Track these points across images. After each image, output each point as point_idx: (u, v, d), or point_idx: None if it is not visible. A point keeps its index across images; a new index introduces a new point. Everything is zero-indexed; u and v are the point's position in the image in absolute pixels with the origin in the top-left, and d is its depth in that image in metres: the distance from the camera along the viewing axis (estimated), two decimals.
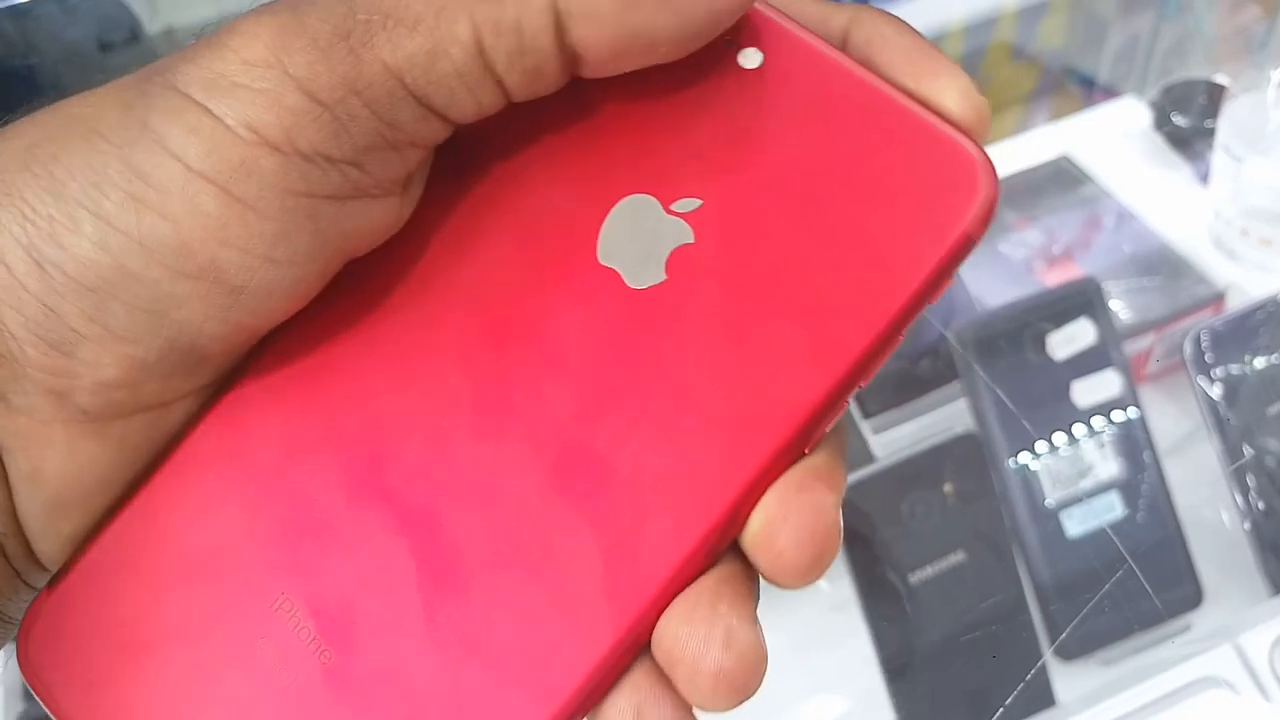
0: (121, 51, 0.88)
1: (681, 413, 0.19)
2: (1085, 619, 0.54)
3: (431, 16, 0.17)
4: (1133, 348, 0.61)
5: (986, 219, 0.19)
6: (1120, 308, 0.63)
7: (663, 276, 0.20)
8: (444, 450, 0.20)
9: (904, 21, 0.20)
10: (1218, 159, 0.64)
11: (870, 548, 0.52)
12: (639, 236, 0.20)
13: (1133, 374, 0.57)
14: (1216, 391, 0.56)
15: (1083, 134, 0.75)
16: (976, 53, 1.34)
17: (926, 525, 0.52)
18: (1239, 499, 0.55)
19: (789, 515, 0.19)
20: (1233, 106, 0.63)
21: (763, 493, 0.19)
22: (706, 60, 0.20)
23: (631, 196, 0.20)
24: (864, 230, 0.19)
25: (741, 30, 0.20)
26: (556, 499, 0.19)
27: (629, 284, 0.20)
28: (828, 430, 0.19)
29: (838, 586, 0.53)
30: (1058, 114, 1.20)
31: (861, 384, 0.19)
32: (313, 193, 0.18)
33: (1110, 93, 1.22)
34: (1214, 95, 0.70)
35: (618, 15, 0.18)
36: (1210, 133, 0.66)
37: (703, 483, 0.19)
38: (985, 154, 0.19)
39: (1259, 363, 0.57)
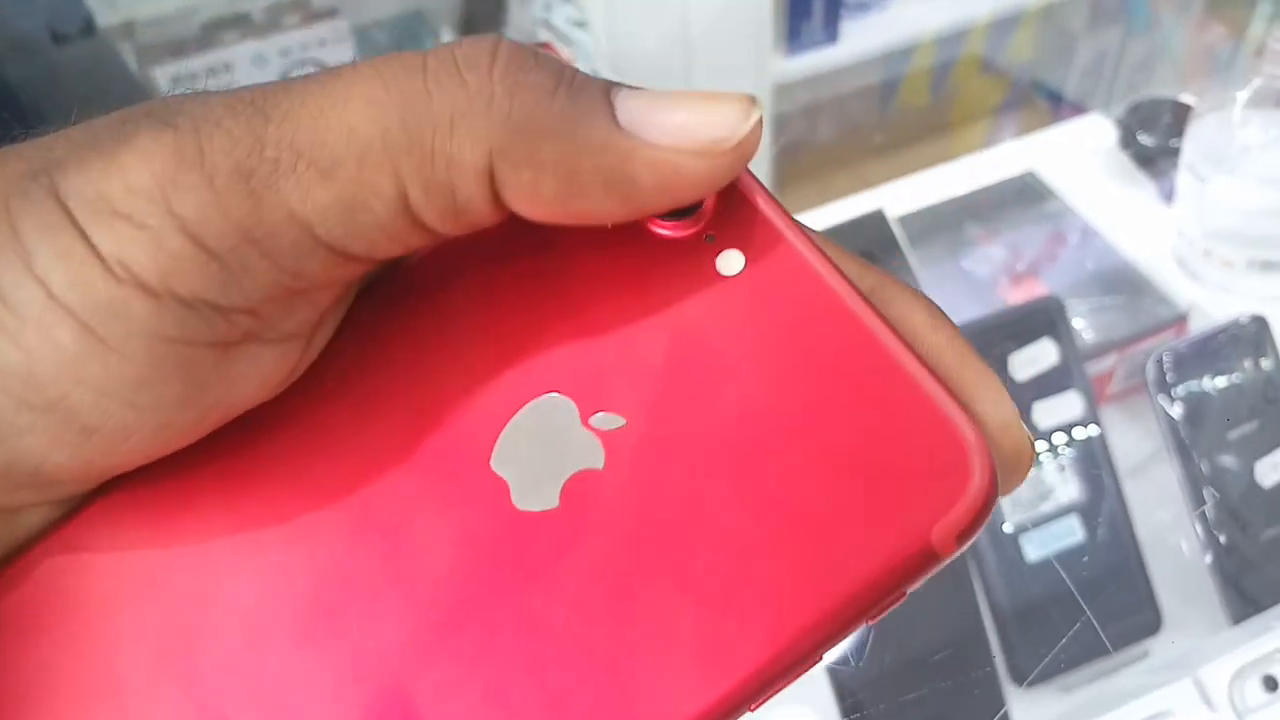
0: (75, 44, 0.86)
1: (521, 692, 0.16)
2: (1043, 645, 0.53)
3: (352, 164, 0.15)
4: (1095, 368, 0.60)
5: (965, 532, 0.15)
6: (1083, 326, 0.62)
7: (554, 503, 0.17)
8: (256, 649, 0.17)
9: (938, 309, 0.17)
10: (1182, 179, 0.64)
11: None
12: (543, 446, 0.17)
13: (1094, 395, 0.56)
14: (1178, 413, 0.56)
15: (1048, 150, 0.74)
16: (947, 64, 1.34)
17: None
18: (1199, 528, 0.54)
19: None
20: (1198, 126, 0.63)
21: None
22: (677, 253, 0.17)
23: (550, 395, 0.17)
24: (808, 510, 0.16)
25: (728, 225, 0.17)
26: None
27: (514, 501, 0.17)
28: None
29: None
30: (1025, 128, 1.21)
31: (752, 707, 0.16)
32: (189, 340, 0.16)
33: (1077, 108, 1.23)
34: (1180, 114, 0.69)
35: (560, 199, 0.16)
36: (1176, 152, 0.66)
37: None
38: (987, 452, 0.15)
39: (1220, 384, 0.56)
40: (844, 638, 0.15)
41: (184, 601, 0.17)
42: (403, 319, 0.18)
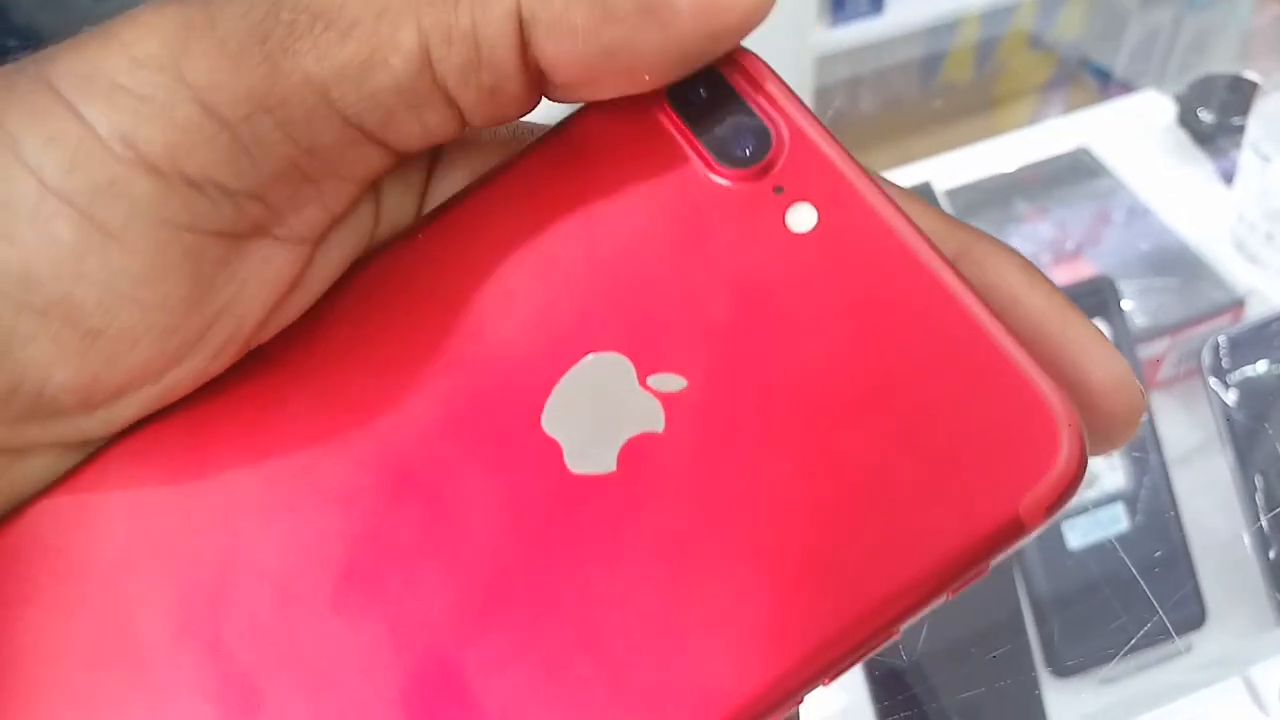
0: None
1: (576, 666, 0.15)
2: (1083, 635, 0.51)
3: (370, 20, 0.15)
4: (1145, 352, 0.58)
5: (1055, 504, 0.14)
6: (1133, 309, 0.60)
7: (611, 466, 0.16)
8: (287, 615, 0.16)
9: (1034, 267, 0.16)
10: (1245, 158, 0.61)
11: None
12: (597, 406, 0.16)
13: (1145, 380, 0.54)
14: (1232, 400, 0.54)
15: (1103, 126, 0.72)
16: (993, 39, 1.31)
17: None
18: (1249, 521, 0.52)
19: None
20: (1265, 104, 0.60)
21: None
22: (743, 204, 0.16)
23: (604, 353, 0.16)
24: (886, 480, 0.15)
25: (799, 178, 0.16)
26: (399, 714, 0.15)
27: (567, 464, 0.16)
28: None
29: None
30: (1071, 106, 1.18)
31: (825, 681, 0.15)
32: (196, 227, 0.15)
33: (1126, 87, 1.19)
34: (1243, 91, 0.67)
35: (593, 30, 0.15)
36: (1237, 130, 0.63)
37: None
38: (1076, 422, 0.14)
39: (1278, 372, 0.54)
40: (923, 612, 0.15)
41: (206, 561, 0.16)
42: (447, 264, 0.17)
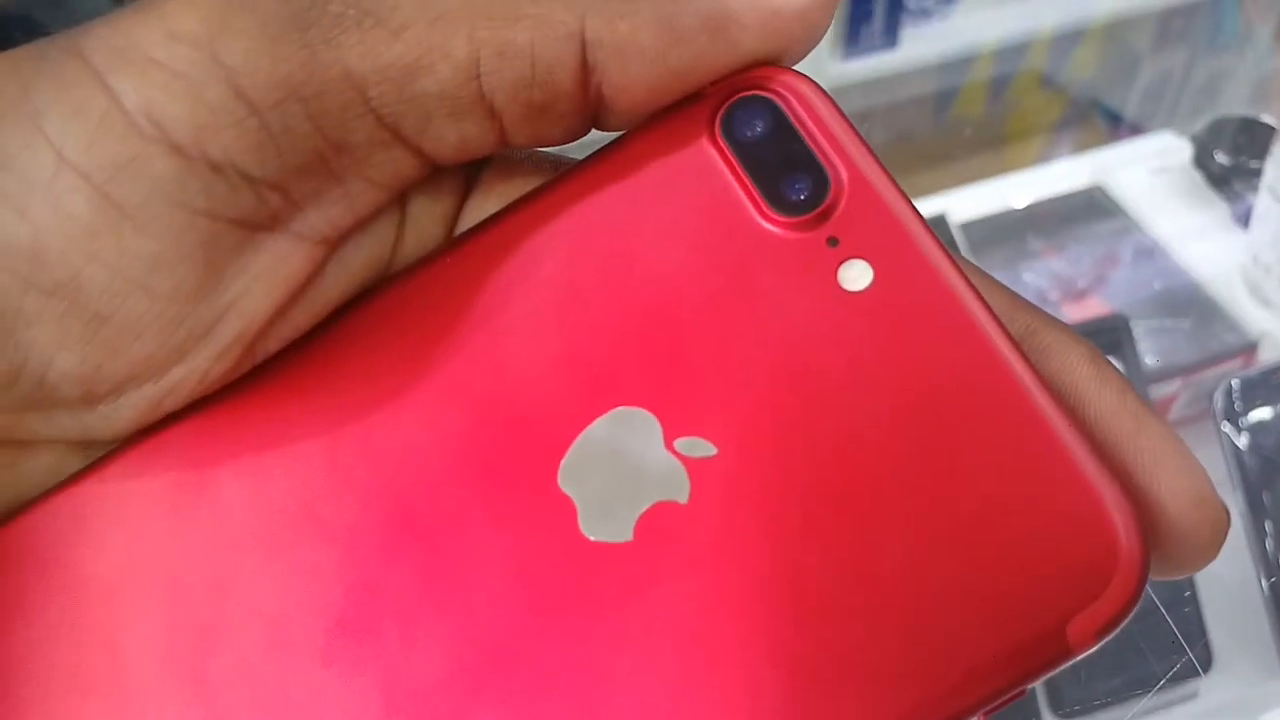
0: None
1: None
2: (1088, 676, 0.51)
3: (423, 24, 0.14)
4: (1155, 393, 0.57)
5: (1106, 628, 0.13)
6: (1144, 349, 0.59)
7: (627, 535, 0.14)
8: (276, 660, 0.15)
9: (1104, 359, 0.15)
10: (1261, 201, 0.61)
11: None
12: (618, 466, 0.15)
13: None
14: (1244, 444, 0.53)
15: (1118, 165, 0.72)
16: (1006, 77, 1.32)
17: None
18: (1261, 566, 0.52)
19: None
20: None
21: None
22: (793, 255, 0.15)
23: (630, 408, 0.15)
24: (925, 584, 0.13)
25: (856, 229, 0.15)
26: None
27: (581, 527, 0.15)
28: None
29: None
30: (1082, 146, 1.18)
31: None
32: (214, 212, 0.14)
33: (1136, 129, 1.20)
34: (1259, 134, 0.67)
35: (661, 51, 0.14)
36: (1253, 173, 0.63)
37: None
38: (1139, 536, 0.13)
39: None
40: None
41: (200, 591, 0.15)
42: (471, 294, 0.16)
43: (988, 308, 0.14)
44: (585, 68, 0.15)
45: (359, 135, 0.15)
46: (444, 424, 0.15)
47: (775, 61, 0.15)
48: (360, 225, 0.16)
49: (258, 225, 0.15)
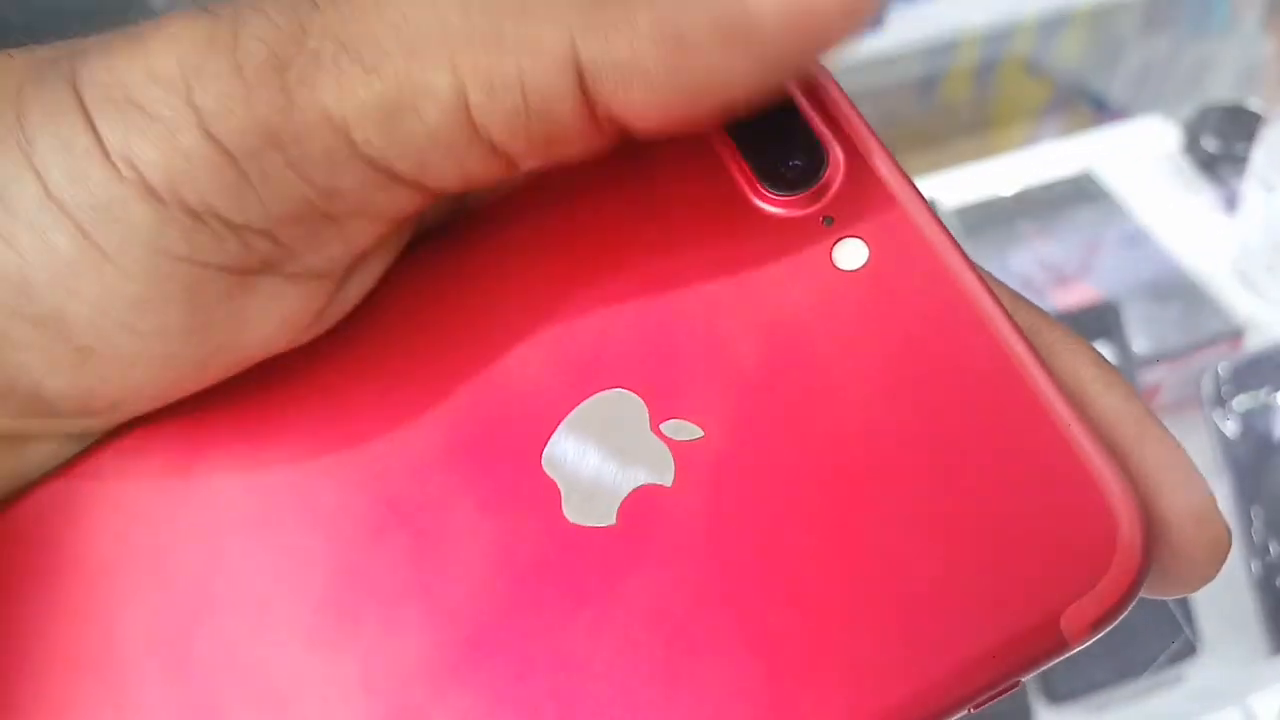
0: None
1: None
2: (1078, 661, 0.51)
3: (400, 55, 0.13)
4: (1143, 378, 0.58)
5: (1101, 621, 0.13)
6: (1132, 335, 0.60)
7: (611, 519, 0.14)
8: (261, 640, 0.15)
9: (1108, 363, 0.14)
10: (1249, 188, 0.61)
11: None
12: (603, 450, 0.14)
13: None
14: (1231, 430, 0.53)
15: (1107, 151, 0.72)
16: (991, 62, 1.31)
17: None
18: (1248, 551, 0.52)
19: None
20: (1270, 133, 0.60)
21: None
22: (787, 234, 0.14)
23: (616, 390, 0.15)
24: (916, 570, 0.13)
25: (852, 207, 0.14)
26: None
27: (565, 511, 0.14)
28: None
29: None
30: (1067, 131, 1.18)
31: None
32: (196, 260, 0.13)
33: (1122, 114, 1.20)
34: (1248, 121, 0.67)
35: (669, 69, 0.13)
36: (1240, 159, 0.63)
37: None
38: (1141, 526, 0.13)
39: (1279, 403, 0.54)
40: None
41: (189, 571, 0.15)
42: (465, 281, 0.16)
43: (986, 286, 0.14)
44: (587, 95, 0.13)
45: (349, 181, 0.13)
46: (429, 406, 0.15)
47: (807, 56, 0.13)
48: (367, 256, 0.15)
49: (247, 270, 0.14)
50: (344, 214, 0.14)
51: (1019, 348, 0.13)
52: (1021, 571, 0.13)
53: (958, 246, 0.14)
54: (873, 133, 0.15)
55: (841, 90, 0.15)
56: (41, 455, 0.16)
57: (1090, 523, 0.13)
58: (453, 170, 0.14)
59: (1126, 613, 0.13)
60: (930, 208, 0.14)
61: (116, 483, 0.16)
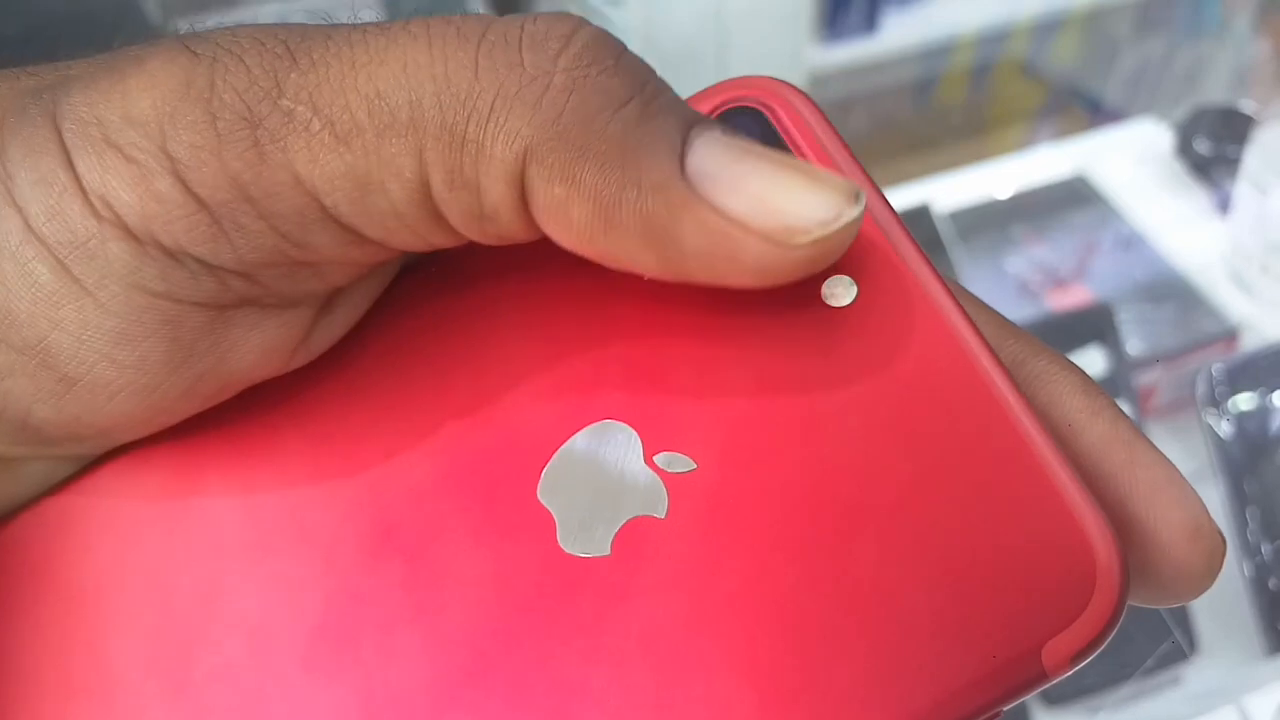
0: None
1: None
2: None
3: (372, 132, 0.13)
4: (1138, 380, 0.58)
5: (1082, 653, 0.13)
6: (1126, 337, 0.60)
7: (605, 549, 0.14)
8: (258, 666, 0.15)
9: (1097, 388, 0.14)
10: (1242, 189, 0.62)
11: None
12: (597, 480, 0.14)
13: (1139, 408, 0.54)
14: (1226, 431, 0.53)
15: (1099, 154, 0.72)
16: (986, 64, 1.32)
17: None
18: (1242, 552, 0.52)
19: None
20: (1263, 135, 0.60)
21: None
22: None
23: (610, 422, 0.15)
24: (900, 602, 0.13)
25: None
26: None
27: (560, 541, 0.14)
28: None
29: None
30: (1062, 133, 1.18)
31: None
32: (175, 296, 0.14)
33: (1116, 116, 1.20)
34: (1240, 123, 0.67)
35: (588, 233, 0.13)
36: (1233, 161, 0.63)
37: None
38: (1118, 562, 0.13)
39: (1274, 404, 0.54)
40: None
41: (185, 595, 0.15)
42: (458, 309, 0.16)
43: (972, 325, 0.14)
44: (526, 213, 0.13)
45: (321, 238, 0.14)
46: (426, 433, 0.15)
47: (712, 281, 0.14)
48: (350, 287, 0.15)
49: (225, 305, 0.14)
50: (319, 261, 0.14)
51: (1002, 385, 0.14)
52: (1004, 606, 0.13)
53: (944, 283, 0.14)
54: (862, 169, 0.15)
55: (832, 128, 0.15)
56: (36, 477, 0.16)
57: (1070, 558, 0.13)
58: (418, 242, 0.14)
59: (1105, 644, 0.13)
60: (917, 245, 0.15)
61: (112, 504, 0.16)
